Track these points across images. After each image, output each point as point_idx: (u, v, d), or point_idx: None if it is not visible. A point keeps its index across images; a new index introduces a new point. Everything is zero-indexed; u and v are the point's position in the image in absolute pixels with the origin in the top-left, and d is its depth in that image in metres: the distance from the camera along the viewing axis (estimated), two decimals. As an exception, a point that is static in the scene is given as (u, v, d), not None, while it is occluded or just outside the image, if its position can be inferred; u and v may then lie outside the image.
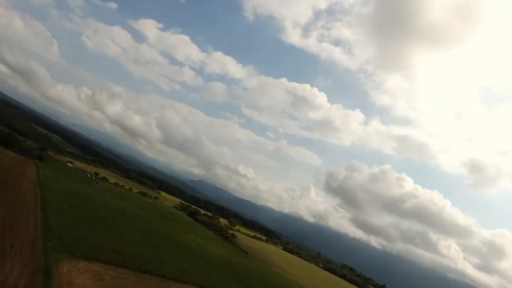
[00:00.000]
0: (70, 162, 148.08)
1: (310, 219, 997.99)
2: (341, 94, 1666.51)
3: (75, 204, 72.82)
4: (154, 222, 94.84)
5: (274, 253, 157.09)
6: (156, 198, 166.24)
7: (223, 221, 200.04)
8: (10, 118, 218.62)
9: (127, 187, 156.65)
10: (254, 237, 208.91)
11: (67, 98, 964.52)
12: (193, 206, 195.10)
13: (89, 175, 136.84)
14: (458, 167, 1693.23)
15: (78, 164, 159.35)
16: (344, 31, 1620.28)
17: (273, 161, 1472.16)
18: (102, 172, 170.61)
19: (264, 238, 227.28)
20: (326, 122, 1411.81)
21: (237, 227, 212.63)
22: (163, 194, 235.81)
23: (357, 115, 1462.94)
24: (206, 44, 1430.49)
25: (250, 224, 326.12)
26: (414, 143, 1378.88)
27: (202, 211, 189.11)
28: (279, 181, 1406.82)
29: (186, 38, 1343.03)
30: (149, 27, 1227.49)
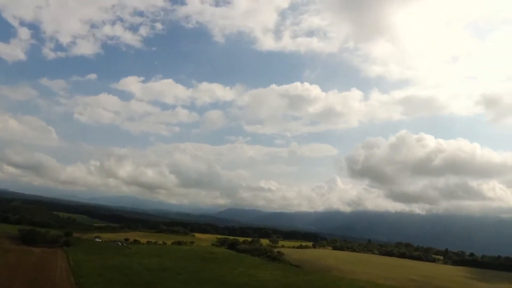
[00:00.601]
0: (97, 237, 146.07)
1: (346, 209, 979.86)
2: (332, 79, 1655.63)
3: (113, 279, 69.17)
4: (197, 269, 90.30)
5: (326, 256, 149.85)
6: (192, 242, 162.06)
7: (264, 242, 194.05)
8: (31, 214, 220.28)
9: (161, 242, 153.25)
10: (300, 247, 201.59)
11: (79, 176, 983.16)
12: (230, 237, 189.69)
13: (120, 244, 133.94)
14: (472, 107, 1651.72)
15: (106, 236, 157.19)
16: (313, 20, 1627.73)
17: (291, 166, 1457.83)
18: (132, 235, 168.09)
19: (310, 244, 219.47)
20: (328, 111, 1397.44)
21: (280, 243, 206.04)
22: (197, 235, 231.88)
23: (355, 94, 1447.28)
24: (189, 79, 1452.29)
25: (291, 235, 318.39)
26: (419, 100, 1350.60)
27: (241, 239, 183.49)
28: (304, 183, 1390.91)
29: (169, 81, 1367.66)
30: (131, 83, 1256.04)
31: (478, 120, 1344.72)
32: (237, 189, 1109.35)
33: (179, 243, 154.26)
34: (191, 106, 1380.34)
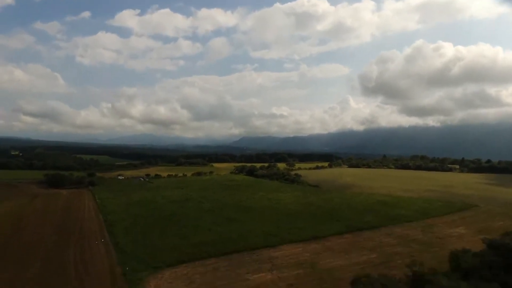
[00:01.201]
0: (120, 175, 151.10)
1: (360, 127, 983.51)
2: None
3: (139, 214, 71.40)
4: (219, 197, 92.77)
5: (343, 174, 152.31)
6: (211, 172, 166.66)
7: (281, 166, 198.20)
8: (54, 159, 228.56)
9: (181, 174, 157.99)
10: (317, 167, 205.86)
11: (94, 119, 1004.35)
12: (248, 164, 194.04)
13: (142, 179, 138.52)
14: (494, 6, 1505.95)
15: (128, 173, 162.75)
16: None
17: (302, 89, 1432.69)
18: (153, 171, 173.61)
19: (326, 164, 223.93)
20: (338, 26, 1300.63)
21: (296, 165, 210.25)
22: (216, 165, 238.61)
23: (367, 4, 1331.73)
24: (187, 7, 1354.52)
25: (307, 157, 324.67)
26: (437, 4, 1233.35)
27: (258, 165, 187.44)
28: (316, 106, 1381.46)
29: (166, 11, 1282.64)
30: (127, 18, 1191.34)
31: (502, 21, 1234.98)
32: (250, 118, 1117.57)
33: (199, 174, 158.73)
34: (193, 36, 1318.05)
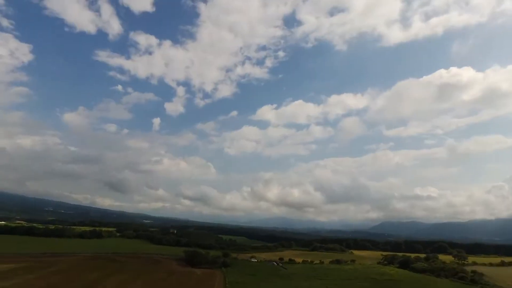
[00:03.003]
0: (253, 257, 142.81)
1: None
2: (488, 55, 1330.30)
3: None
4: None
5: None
6: (353, 260, 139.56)
7: (444, 258, 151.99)
8: (198, 237, 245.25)
9: (317, 261, 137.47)
10: (503, 264, 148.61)
11: (236, 202, 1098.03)
12: (399, 254, 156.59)
13: (275, 264, 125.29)
14: None
15: (262, 255, 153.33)
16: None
17: (450, 167, 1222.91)
18: (286, 254, 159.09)
19: (498, 261, 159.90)
20: (489, 94, 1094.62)
21: (469, 259, 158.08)
22: (356, 252, 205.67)
23: None
24: (318, 96, 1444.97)
25: (476, 248, 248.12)
26: None
27: (412, 255, 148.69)
28: (473, 185, 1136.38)
29: (299, 102, 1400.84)
30: (266, 112, 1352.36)
31: None
32: (389, 200, 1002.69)
33: (338, 261, 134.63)
34: (324, 122, 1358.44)
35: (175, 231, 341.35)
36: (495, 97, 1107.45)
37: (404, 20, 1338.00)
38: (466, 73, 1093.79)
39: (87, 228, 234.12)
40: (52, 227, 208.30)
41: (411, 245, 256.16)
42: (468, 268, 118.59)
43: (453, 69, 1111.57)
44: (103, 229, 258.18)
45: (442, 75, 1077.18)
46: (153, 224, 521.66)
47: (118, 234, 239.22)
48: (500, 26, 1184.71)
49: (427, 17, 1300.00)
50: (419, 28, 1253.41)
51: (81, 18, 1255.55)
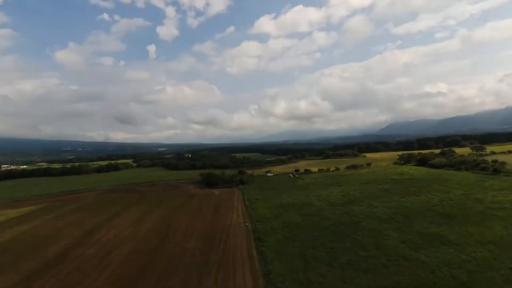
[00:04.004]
0: (269, 171, 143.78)
1: None
2: None
3: (293, 222, 55.04)
4: (394, 198, 67.45)
5: None
6: (369, 164, 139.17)
7: (462, 151, 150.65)
8: (213, 159, 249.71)
9: (333, 168, 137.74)
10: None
11: (244, 121, 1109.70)
12: (415, 152, 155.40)
13: (291, 176, 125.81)
14: None
15: (277, 169, 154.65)
16: None
17: (463, 59, 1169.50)
18: (301, 165, 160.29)
19: None
20: None
21: (488, 149, 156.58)
22: (369, 155, 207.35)
23: None
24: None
25: (489, 138, 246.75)
26: None
27: (427, 152, 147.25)
28: (486, 76, 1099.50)
29: (299, 7, 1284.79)
30: (264, 23, 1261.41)
31: None
32: (398, 101, 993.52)
33: (354, 167, 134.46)
34: (327, 26, 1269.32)
35: (190, 155, 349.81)
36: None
37: None
38: None
39: (104, 163, 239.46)
40: (69, 165, 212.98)
41: (423, 142, 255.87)
42: (488, 158, 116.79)
43: None
44: (120, 161, 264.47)
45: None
46: (168, 151, 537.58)
47: (135, 165, 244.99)
48: None
49: None
50: None
51: None
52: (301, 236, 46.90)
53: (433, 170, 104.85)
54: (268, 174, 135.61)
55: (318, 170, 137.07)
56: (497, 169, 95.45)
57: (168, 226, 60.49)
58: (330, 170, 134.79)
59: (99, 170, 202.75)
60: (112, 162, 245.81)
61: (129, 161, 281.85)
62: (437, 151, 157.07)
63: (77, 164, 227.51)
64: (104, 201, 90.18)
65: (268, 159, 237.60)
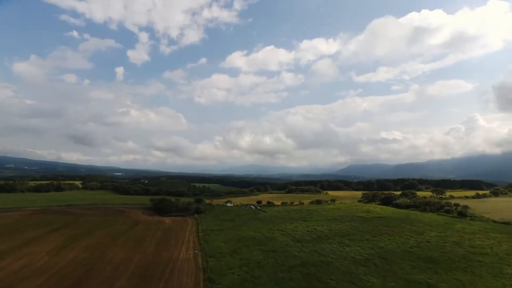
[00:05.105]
0: (229, 201, 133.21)
1: (495, 150, 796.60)
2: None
3: (253, 259, 45.61)
4: (366, 237, 60.72)
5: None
6: (333, 200, 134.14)
7: (422, 194, 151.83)
8: (170, 186, 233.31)
9: (297, 202, 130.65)
10: (478, 196, 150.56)
11: (208, 152, 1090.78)
12: (379, 192, 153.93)
13: (253, 207, 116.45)
14: None
15: (238, 200, 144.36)
16: None
17: (415, 111, 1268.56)
18: (264, 198, 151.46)
19: (487, 192, 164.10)
20: (457, 37, 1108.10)
21: (447, 193, 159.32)
22: (331, 193, 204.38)
23: (495, 5, 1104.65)
24: (290, 41, 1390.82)
25: (442, 184, 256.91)
26: None
27: (394, 193, 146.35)
28: (434, 128, 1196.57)
29: (270, 48, 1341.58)
30: (236, 59, 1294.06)
31: None
32: (357, 144, 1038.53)
33: (318, 202, 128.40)
34: (296, 69, 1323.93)
35: (146, 182, 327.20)
36: (462, 41, 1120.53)
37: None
38: (437, 16, 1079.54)
39: (45, 182, 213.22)
40: (1, 182, 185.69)
41: (382, 183, 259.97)
42: (443, 202, 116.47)
43: (425, 12, 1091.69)
44: (65, 182, 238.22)
45: (413, 18, 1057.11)
46: (125, 177, 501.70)
47: (81, 186, 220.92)
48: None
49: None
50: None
51: None
52: (263, 278, 37.63)
53: (399, 210, 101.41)
54: (228, 204, 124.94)
55: (282, 203, 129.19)
56: (462, 213, 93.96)
57: (98, 257, 48.15)
58: (294, 204, 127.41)
59: (38, 189, 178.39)
60: (55, 182, 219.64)
61: (77, 182, 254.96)
62: (398, 192, 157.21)
63: (10, 181, 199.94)
64: (26, 223, 74.02)
65: (229, 190, 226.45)
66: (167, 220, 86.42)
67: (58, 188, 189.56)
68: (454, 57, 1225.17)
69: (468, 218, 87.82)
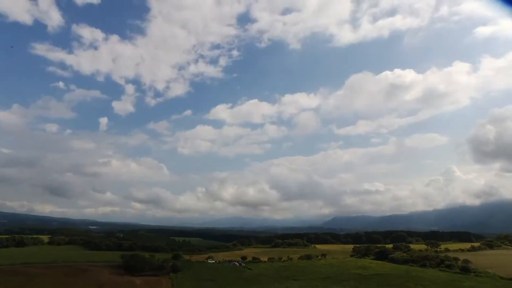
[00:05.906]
0: (210, 257, 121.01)
1: (475, 202, 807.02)
2: (427, 57, 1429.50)
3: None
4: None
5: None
6: (324, 255, 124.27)
7: (416, 247, 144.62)
8: (149, 241, 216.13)
9: (285, 258, 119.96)
10: (473, 249, 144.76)
11: (190, 203, 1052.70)
12: (372, 246, 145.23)
13: (237, 264, 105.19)
14: None
15: (220, 256, 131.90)
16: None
17: (395, 163, 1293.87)
18: (248, 253, 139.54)
19: (467, 246, 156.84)
20: (428, 94, 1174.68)
21: (442, 246, 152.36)
22: (319, 246, 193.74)
23: (459, 67, 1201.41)
24: (272, 95, 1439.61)
25: (431, 236, 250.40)
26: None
27: (387, 246, 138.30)
28: (415, 179, 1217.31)
29: (254, 101, 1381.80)
30: (221, 111, 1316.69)
31: None
32: (341, 196, 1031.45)
33: (308, 257, 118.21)
34: (279, 121, 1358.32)
35: (122, 236, 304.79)
36: (433, 98, 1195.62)
37: (354, 21, 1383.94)
38: (409, 75, 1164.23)
39: (5, 237, 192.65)
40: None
41: (371, 236, 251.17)
42: (442, 255, 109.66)
43: (397, 71, 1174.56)
44: (30, 236, 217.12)
45: (387, 76, 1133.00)
46: (99, 230, 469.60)
47: (46, 241, 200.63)
48: (438, 31, 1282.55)
49: (374, 19, 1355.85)
50: (367, 30, 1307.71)
51: (15, 7, 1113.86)
52: None
53: (397, 266, 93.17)
54: (209, 261, 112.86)
55: (268, 259, 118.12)
56: (465, 268, 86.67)
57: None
58: (282, 259, 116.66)
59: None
60: (17, 236, 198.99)
61: (45, 237, 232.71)
62: (389, 245, 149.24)
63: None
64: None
65: (211, 245, 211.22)
66: (138, 280, 74.84)
67: (20, 243, 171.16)
68: (427, 112, 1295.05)
69: (473, 274, 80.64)
